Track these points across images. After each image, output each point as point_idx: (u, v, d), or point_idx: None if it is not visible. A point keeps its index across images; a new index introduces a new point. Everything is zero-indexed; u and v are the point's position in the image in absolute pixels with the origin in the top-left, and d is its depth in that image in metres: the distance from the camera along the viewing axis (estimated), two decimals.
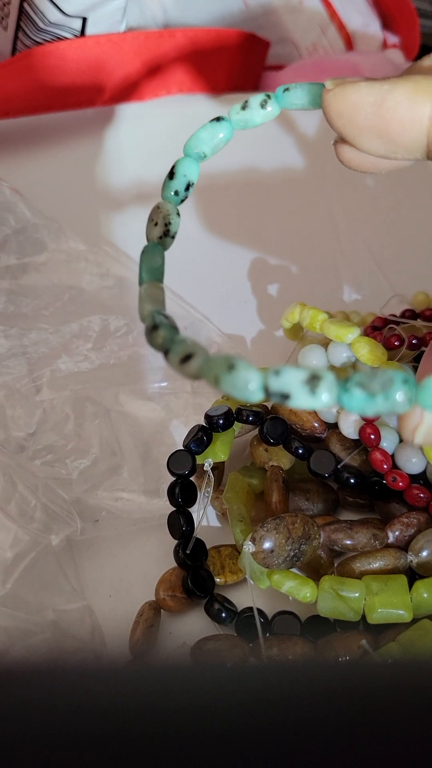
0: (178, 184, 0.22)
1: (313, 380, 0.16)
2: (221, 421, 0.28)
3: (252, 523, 0.28)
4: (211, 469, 0.28)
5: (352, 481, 0.28)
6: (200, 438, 0.28)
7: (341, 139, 0.21)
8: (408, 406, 0.15)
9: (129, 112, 0.46)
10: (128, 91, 0.46)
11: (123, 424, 0.31)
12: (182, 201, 0.22)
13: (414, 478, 0.27)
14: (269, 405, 0.30)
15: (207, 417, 0.28)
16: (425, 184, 0.42)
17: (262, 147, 0.43)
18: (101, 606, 0.27)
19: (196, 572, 0.27)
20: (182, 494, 0.27)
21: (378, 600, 0.25)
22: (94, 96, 0.45)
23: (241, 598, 0.27)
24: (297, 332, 0.33)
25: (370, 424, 0.27)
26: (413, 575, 0.26)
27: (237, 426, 0.29)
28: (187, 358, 0.17)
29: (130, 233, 0.41)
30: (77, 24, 0.42)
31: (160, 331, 0.18)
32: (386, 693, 0.12)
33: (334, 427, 0.29)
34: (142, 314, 0.19)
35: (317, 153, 0.45)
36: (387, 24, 0.53)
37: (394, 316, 0.33)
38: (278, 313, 0.32)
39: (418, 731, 0.11)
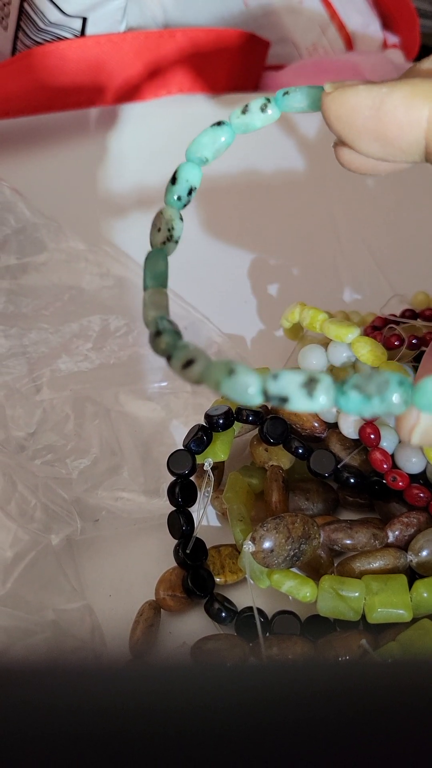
0: (181, 189, 0.23)
1: (311, 383, 0.16)
2: (221, 421, 0.28)
3: (252, 522, 0.28)
4: (211, 468, 0.28)
5: (352, 480, 0.28)
6: (200, 438, 0.28)
7: (341, 142, 0.21)
8: (404, 407, 0.16)
9: (129, 113, 0.46)
10: (128, 91, 0.46)
11: (123, 424, 0.31)
12: (185, 206, 0.23)
13: (414, 478, 0.27)
14: (269, 405, 0.30)
15: (207, 417, 0.28)
16: (425, 185, 0.42)
17: (262, 147, 0.43)
18: (101, 605, 0.27)
19: (196, 572, 0.27)
20: (182, 494, 0.27)
21: (378, 599, 0.25)
22: (94, 96, 0.45)
23: (241, 598, 0.27)
24: (297, 332, 0.33)
25: (370, 423, 0.27)
26: (413, 575, 0.26)
27: (237, 426, 0.29)
28: (188, 364, 0.18)
29: (130, 233, 0.41)
30: (77, 24, 0.42)
31: (164, 337, 0.19)
32: (386, 693, 0.12)
33: (334, 426, 0.29)
34: (146, 320, 0.20)
35: (317, 153, 0.45)
36: (387, 24, 0.53)
37: (394, 316, 0.33)
38: (278, 313, 0.32)
39: (418, 731, 0.11)
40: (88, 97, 0.45)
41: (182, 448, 0.28)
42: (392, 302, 0.36)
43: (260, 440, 0.29)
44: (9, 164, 0.43)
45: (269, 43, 0.49)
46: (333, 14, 0.50)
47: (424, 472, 0.28)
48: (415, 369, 0.28)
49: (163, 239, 0.22)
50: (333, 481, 0.29)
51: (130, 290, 0.36)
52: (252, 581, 0.26)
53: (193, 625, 0.27)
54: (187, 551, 0.27)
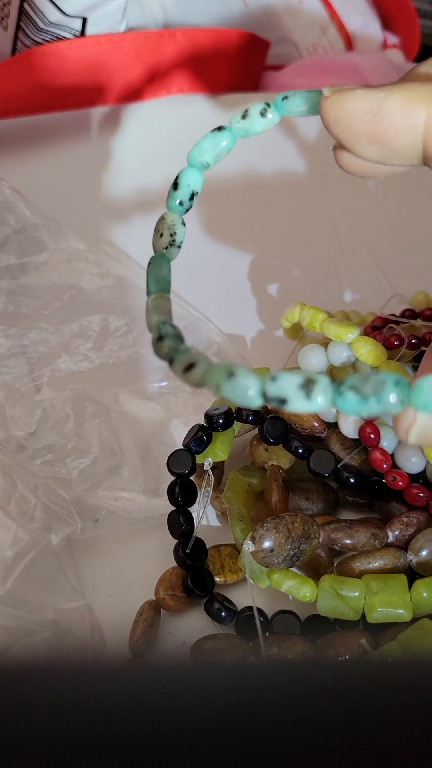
0: (182, 194, 0.23)
1: (308, 384, 0.16)
2: (221, 421, 0.28)
3: (252, 522, 0.28)
4: (210, 468, 0.28)
5: (351, 480, 0.28)
6: (200, 437, 0.28)
7: (340, 145, 0.21)
8: (400, 407, 0.16)
9: (129, 113, 0.47)
10: (128, 91, 0.46)
11: (123, 423, 0.31)
12: (187, 210, 0.23)
13: (414, 478, 0.27)
14: (271, 407, 0.30)
15: (207, 416, 0.28)
16: (425, 185, 0.42)
17: (262, 148, 0.43)
18: (101, 605, 0.27)
19: (195, 571, 0.27)
20: (182, 493, 0.27)
21: (378, 599, 0.25)
22: (94, 96, 0.45)
23: (240, 598, 0.27)
24: (297, 332, 0.33)
25: (369, 423, 0.27)
26: (413, 574, 0.26)
27: (237, 425, 0.29)
28: (189, 367, 0.18)
29: (130, 233, 0.41)
30: (77, 24, 0.42)
31: (166, 342, 0.19)
32: (386, 692, 0.12)
33: (333, 426, 0.29)
34: (149, 325, 0.20)
35: (317, 154, 0.45)
36: (387, 24, 0.53)
37: (394, 315, 0.33)
38: (278, 313, 0.32)
39: (417, 730, 0.11)
40: (88, 97, 0.45)
41: (182, 447, 0.28)
42: (392, 302, 0.36)
43: (260, 440, 0.29)
44: (9, 164, 0.43)
45: (269, 43, 0.49)
46: (333, 14, 0.50)
47: (423, 472, 0.28)
48: (415, 369, 0.28)
49: (166, 244, 0.22)
50: (333, 480, 0.29)
51: (130, 290, 0.36)
52: (252, 581, 0.26)
53: (192, 625, 0.27)
54: (187, 551, 0.27)
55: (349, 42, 0.51)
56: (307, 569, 0.27)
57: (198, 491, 0.28)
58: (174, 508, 0.28)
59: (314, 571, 0.27)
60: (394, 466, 0.27)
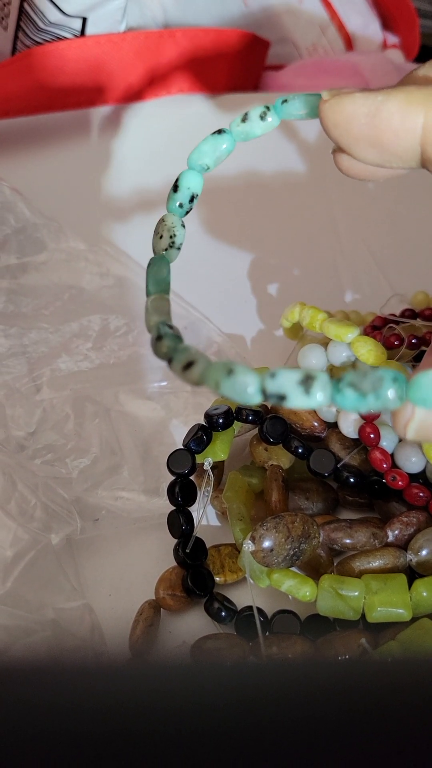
0: (182, 196, 0.23)
1: (308, 381, 0.16)
2: (221, 420, 0.28)
3: (252, 522, 0.28)
4: (210, 468, 0.28)
5: (351, 480, 0.28)
6: (200, 437, 0.28)
7: (339, 148, 0.21)
8: (399, 403, 0.16)
9: (129, 113, 0.47)
10: (128, 91, 0.46)
11: (123, 423, 0.31)
12: (187, 213, 0.23)
13: (413, 477, 0.27)
14: (269, 404, 0.30)
15: (207, 416, 0.28)
16: (425, 185, 0.42)
17: (262, 147, 0.43)
18: (101, 605, 0.27)
19: (195, 571, 0.27)
20: (182, 493, 0.27)
21: (377, 599, 0.25)
22: (94, 96, 0.45)
23: (240, 597, 0.27)
24: (297, 332, 0.33)
25: (369, 423, 0.27)
26: (413, 574, 0.26)
27: (237, 425, 0.29)
28: (188, 366, 0.18)
29: (130, 232, 0.41)
30: (77, 24, 0.42)
31: (164, 341, 0.19)
32: (385, 691, 0.12)
33: (333, 426, 0.29)
34: (148, 325, 0.20)
35: (317, 154, 0.45)
36: (387, 24, 0.53)
37: (394, 315, 0.33)
38: (278, 312, 0.32)
39: (417, 729, 0.11)
40: (88, 97, 0.45)
41: (182, 447, 0.28)
42: (392, 302, 0.36)
43: (260, 440, 0.29)
44: (9, 164, 0.43)
45: (269, 43, 0.49)
46: (333, 14, 0.50)
47: (423, 472, 0.28)
48: (415, 368, 0.28)
49: (165, 246, 0.23)
50: (333, 480, 0.29)
51: (130, 290, 0.36)
52: (252, 580, 0.26)
53: (192, 625, 0.27)
54: (187, 550, 0.27)
55: (349, 42, 0.51)
56: (307, 569, 0.27)
57: (198, 491, 0.28)
58: (174, 508, 0.28)
59: (314, 570, 0.27)
60: (394, 465, 0.27)
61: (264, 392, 0.17)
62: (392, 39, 0.53)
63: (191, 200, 0.23)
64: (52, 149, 0.45)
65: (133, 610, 0.27)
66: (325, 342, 0.29)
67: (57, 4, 0.41)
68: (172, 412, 0.32)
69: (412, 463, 0.27)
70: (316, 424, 0.29)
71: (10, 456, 0.29)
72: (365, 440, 0.27)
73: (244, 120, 0.23)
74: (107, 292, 0.36)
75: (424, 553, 0.26)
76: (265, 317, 0.38)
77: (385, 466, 0.27)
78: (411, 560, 0.26)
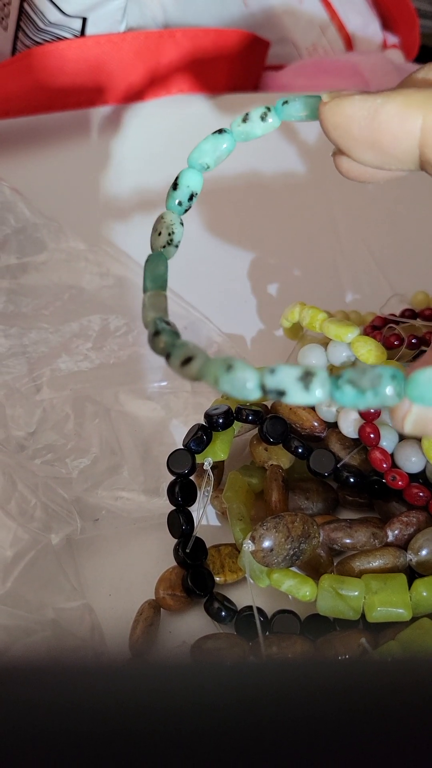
0: (182, 194, 0.23)
1: (307, 377, 0.16)
2: (221, 420, 0.28)
3: (252, 522, 0.28)
4: (210, 468, 0.28)
5: (351, 480, 0.28)
6: (200, 437, 0.28)
7: (339, 151, 0.21)
8: (397, 399, 0.16)
9: (129, 113, 0.47)
10: (128, 91, 0.46)
11: (123, 423, 0.31)
12: (186, 211, 0.23)
13: (413, 477, 0.27)
14: (269, 404, 0.30)
15: (207, 416, 0.28)
16: (425, 185, 0.42)
17: (262, 147, 0.43)
18: (101, 605, 0.27)
19: (195, 571, 0.27)
20: (182, 493, 0.27)
21: (377, 599, 0.25)
22: (94, 96, 0.45)
23: (240, 597, 0.27)
24: (297, 332, 0.33)
25: (369, 423, 0.27)
26: (413, 574, 0.26)
27: (237, 425, 0.29)
28: (187, 361, 0.18)
29: (130, 232, 0.41)
30: (77, 24, 0.42)
31: (162, 337, 0.19)
32: (385, 691, 0.12)
33: (333, 426, 0.29)
34: (145, 321, 0.20)
35: (317, 154, 0.45)
36: (387, 24, 0.53)
37: (394, 315, 0.33)
38: (278, 312, 0.32)
39: (417, 729, 0.11)
40: (88, 97, 0.45)
41: (182, 447, 0.28)
42: (392, 302, 0.36)
43: (260, 440, 0.29)
44: (9, 164, 0.43)
45: (269, 43, 0.49)
46: (333, 14, 0.50)
47: (423, 472, 0.28)
48: (411, 365, 0.28)
49: (163, 243, 0.23)
50: (333, 480, 0.29)
51: (130, 290, 0.36)
52: (252, 580, 0.26)
53: (192, 625, 0.27)
54: (187, 550, 0.27)
55: (348, 42, 0.51)
56: (307, 569, 0.27)
57: (198, 491, 0.28)
58: (174, 508, 0.28)
59: (314, 570, 0.27)
60: (394, 465, 0.27)
61: (263, 388, 0.17)
62: (392, 39, 0.53)
63: (190, 198, 0.23)
64: (52, 149, 0.45)
65: (133, 610, 0.27)
66: (325, 342, 0.29)
67: (57, 4, 0.41)
68: (172, 412, 0.32)
69: (412, 463, 0.27)
70: (316, 424, 0.29)
71: (10, 456, 0.29)
72: (365, 440, 0.27)
73: (244, 120, 0.23)
74: (107, 292, 0.36)
75: (424, 553, 0.26)
76: (265, 317, 0.38)
77: (385, 466, 0.27)
78: (411, 560, 0.26)
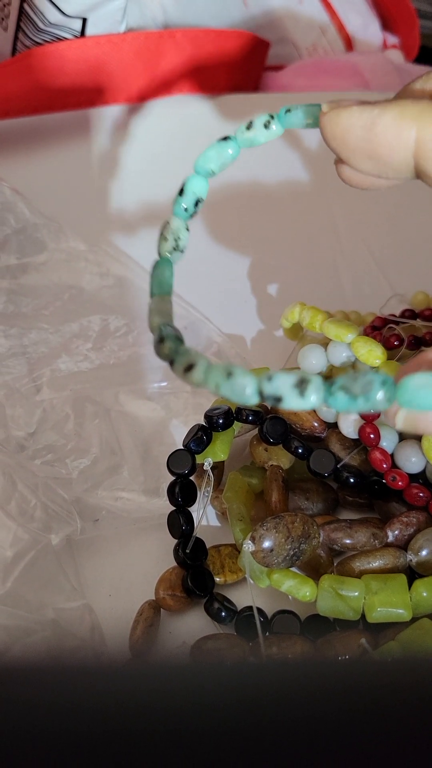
0: (188, 200, 0.24)
1: (302, 384, 0.17)
2: (221, 421, 0.28)
3: (252, 522, 0.28)
4: (210, 468, 0.28)
5: (351, 480, 0.28)
6: (200, 437, 0.28)
7: (340, 159, 0.22)
8: (388, 404, 0.17)
9: (129, 113, 0.47)
10: (128, 91, 0.46)
11: (123, 423, 0.31)
12: (191, 216, 0.24)
13: (413, 478, 0.27)
14: (269, 404, 0.30)
15: (207, 416, 0.28)
16: (424, 186, 0.42)
17: (263, 149, 0.43)
18: (101, 605, 0.27)
19: (195, 571, 0.27)
20: (182, 493, 0.27)
21: (377, 599, 0.25)
22: (94, 96, 0.45)
23: (240, 598, 0.27)
24: (297, 332, 0.33)
25: (369, 423, 0.27)
26: (413, 574, 0.26)
27: (237, 425, 0.29)
28: (189, 368, 0.19)
29: (130, 233, 0.41)
30: (77, 25, 0.42)
31: (166, 343, 0.20)
32: (386, 692, 0.12)
33: (333, 426, 0.29)
34: (151, 326, 0.21)
35: (317, 155, 0.45)
36: (387, 25, 0.53)
37: (394, 315, 0.33)
38: (278, 313, 0.32)
39: (417, 729, 0.11)
40: (88, 97, 0.45)
41: (182, 447, 0.28)
42: (392, 302, 0.36)
43: (260, 440, 0.29)
44: (9, 164, 0.43)
45: (269, 44, 0.49)
46: (333, 15, 0.50)
47: (423, 472, 0.28)
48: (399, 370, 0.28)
49: (170, 249, 0.23)
50: (333, 480, 0.29)
51: (130, 290, 0.36)
52: (252, 581, 0.26)
53: (192, 625, 0.27)
54: (187, 551, 0.27)
55: (348, 42, 0.51)
56: (307, 569, 0.27)
57: (198, 491, 0.28)
58: (174, 508, 0.28)
59: (314, 570, 0.27)
60: (394, 466, 0.27)
61: (261, 394, 0.18)
62: (392, 39, 0.53)
63: (196, 204, 0.24)
64: (52, 149, 0.45)
65: (133, 610, 0.27)
66: (325, 342, 0.29)
67: (57, 4, 0.41)
68: (172, 412, 0.32)
69: (412, 463, 0.27)
70: (316, 424, 0.29)
71: (10, 456, 0.29)
72: (365, 440, 0.27)
73: (248, 128, 0.23)
74: (107, 292, 0.36)
75: (424, 553, 0.26)
76: (265, 317, 0.38)
77: (385, 466, 0.27)
78: (411, 560, 0.26)
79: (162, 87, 0.46)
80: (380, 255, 0.40)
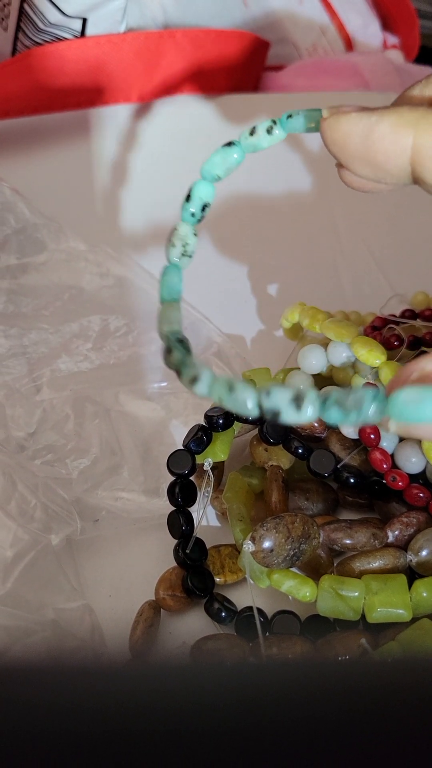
0: (195, 206, 0.24)
1: (298, 399, 0.18)
2: (221, 421, 0.28)
3: (252, 522, 0.28)
4: (210, 468, 0.28)
5: (351, 480, 0.28)
6: (200, 437, 0.28)
7: (340, 163, 0.22)
8: (379, 417, 0.18)
9: (129, 113, 0.47)
10: (128, 92, 0.46)
11: (123, 423, 0.31)
12: (199, 221, 0.24)
13: (413, 478, 0.27)
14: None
15: (207, 417, 0.28)
16: None
17: (263, 150, 0.43)
18: (101, 605, 0.27)
19: (195, 572, 0.27)
20: (182, 494, 0.27)
21: (377, 599, 0.25)
22: (94, 96, 0.45)
23: (240, 598, 0.27)
24: (297, 332, 0.33)
25: None
26: (413, 574, 0.26)
27: (237, 426, 0.29)
28: (195, 380, 0.20)
29: (131, 233, 0.41)
30: (77, 25, 0.42)
31: (175, 354, 0.21)
32: (386, 692, 0.12)
33: (333, 426, 0.29)
34: (160, 333, 0.22)
35: (317, 156, 0.45)
36: (387, 25, 0.53)
37: (394, 316, 0.33)
38: (278, 313, 0.32)
39: (417, 730, 0.11)
40: (88, 97, 0.45)
41: (182, 447, 0.28)
42: (392, 302, 0.36)
43: (260, 440, 0.29)
44: (9, 164, 0.43)
45: (269, 44, 0.49)
46: (333, 15, 0.50)
47: (423, 472, 0.28)
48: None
49: (178, 254, 0.24)
50: (333, 481, 0.29)
51: (130, 290, 0.36)
52: (252, 581, 0.26)
53: (192, 625, 0.27)
54: (187, 551, 0.27)
55: (348, 42, 0.51)
56: (307, 569, 0.27)
57: (198, 491, 0.28)
58: (174, 508, 0.28)
59: (314, 571, 0.27)
60: (394, 466, 0.27)
61: (260, 407, 0.19)
62: (392, 39, 0.53)
63: (203, 209, 0.24)
64: (52, 149, 0.45)
65: (133, 610, 0.27)
66: (325, 342, 0.29)
67: (57, 4, 0.41)
68: (172, 412, 0.32)
69: (412, 463, 0.27)
70: (316, 424, 0.29)
71: (10, 456, 0.29)
72: (365, 441, 0.27)
73: (252, 133, 0.24)
74: (107, 292, 0.36)
75: (424, 553, 0.26)
76: (265, 317, 0.38)
77: (385, 466, 0.27)
78: (411, 561, 0.26)
79: (162, 87, 0.46)
80: (380, 255, 0.40)
